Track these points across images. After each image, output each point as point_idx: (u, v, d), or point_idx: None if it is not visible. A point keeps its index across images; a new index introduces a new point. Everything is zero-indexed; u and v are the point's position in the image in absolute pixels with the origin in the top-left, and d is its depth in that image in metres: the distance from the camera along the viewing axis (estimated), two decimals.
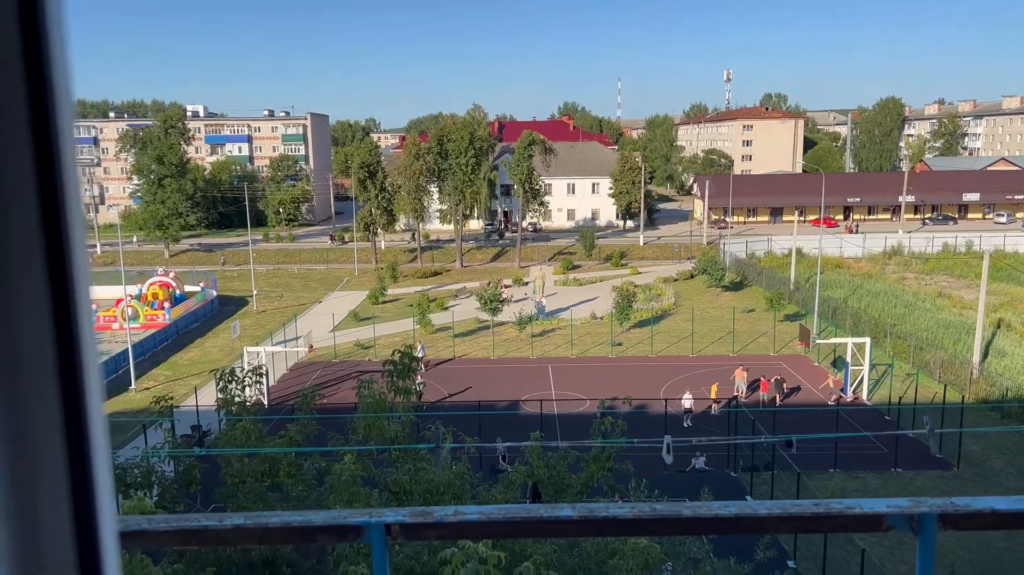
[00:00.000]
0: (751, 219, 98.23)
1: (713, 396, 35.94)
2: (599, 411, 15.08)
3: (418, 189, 75.55)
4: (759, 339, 47.69)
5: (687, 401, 35.85)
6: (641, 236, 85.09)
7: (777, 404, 35.81)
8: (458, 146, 74.74)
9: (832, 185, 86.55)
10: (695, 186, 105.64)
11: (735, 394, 36.58)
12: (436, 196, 79.42)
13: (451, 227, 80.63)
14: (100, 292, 62.59)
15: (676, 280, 66.38)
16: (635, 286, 62.16)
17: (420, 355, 42.45)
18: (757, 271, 65.34)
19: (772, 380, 37.34)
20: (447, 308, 56.79)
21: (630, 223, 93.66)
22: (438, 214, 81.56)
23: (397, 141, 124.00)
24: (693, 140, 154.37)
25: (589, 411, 33.96)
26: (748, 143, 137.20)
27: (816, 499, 1.32)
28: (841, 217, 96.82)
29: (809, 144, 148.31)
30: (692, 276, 66.25)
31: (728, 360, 43.35)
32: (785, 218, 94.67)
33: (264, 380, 13.16)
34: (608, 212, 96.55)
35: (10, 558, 0.71)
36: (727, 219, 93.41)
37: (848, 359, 38.58)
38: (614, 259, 75.64)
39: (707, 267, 61.86)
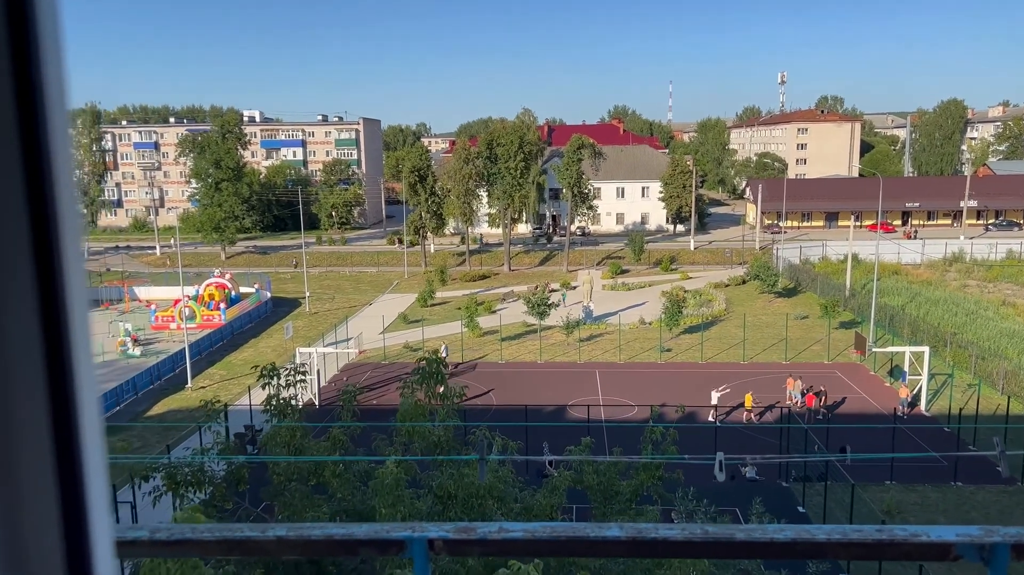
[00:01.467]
0: (805, 224, 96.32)
1: (748, 406, 35.09)
2: (650, 420, 14.91)
3: (467, 193, 75.96)
4: (813, 347, 46.68)
5: (716, 396, 35.65)
6: (692, 240, 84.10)
7: (819, 417, 34.79)
8: (507, 150, 74.93)
9: (890, 189, 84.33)
10: (747, 190, 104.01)
11: (788, 403, 35.82)
12: (485, 200, 79.73)
13: (499, 231, 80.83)
14: (158, 293, 64.39)
15: (727, 285, 65.40)
16: (685, 291, 61.46)
17: (445, 354, 43.17)
18: (811, 277, 63.98)
19: (815, 391, 36.33)
20: (494, 311, 56.91)
21: (680, 227, 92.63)
22: (487, 218, 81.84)
23: (447, 145, 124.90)
24: (746, 143, 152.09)
25: (637, 417, 33.75)
26: (803, 147, 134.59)
27: (879, 525, 1.26)
28: (899, 222, 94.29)
29: (866, 148, 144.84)
30: (744, 282, 65.19)
31: (780, 368, 42.51)
32: (841, 223, 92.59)
33: (306, 380, 13.28)
34: (658, 216, 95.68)
35: None
36: (780, 224, 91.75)
37: (906, 368, 37.48)
38: (664, 264, 74.89)
39: (759, 272, 60.82)
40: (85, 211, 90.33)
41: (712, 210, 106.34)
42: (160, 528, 1.23)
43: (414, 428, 11.32)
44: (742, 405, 35.58)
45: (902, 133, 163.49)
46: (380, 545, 1.23)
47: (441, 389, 11.98)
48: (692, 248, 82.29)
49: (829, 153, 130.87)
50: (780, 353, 45.25)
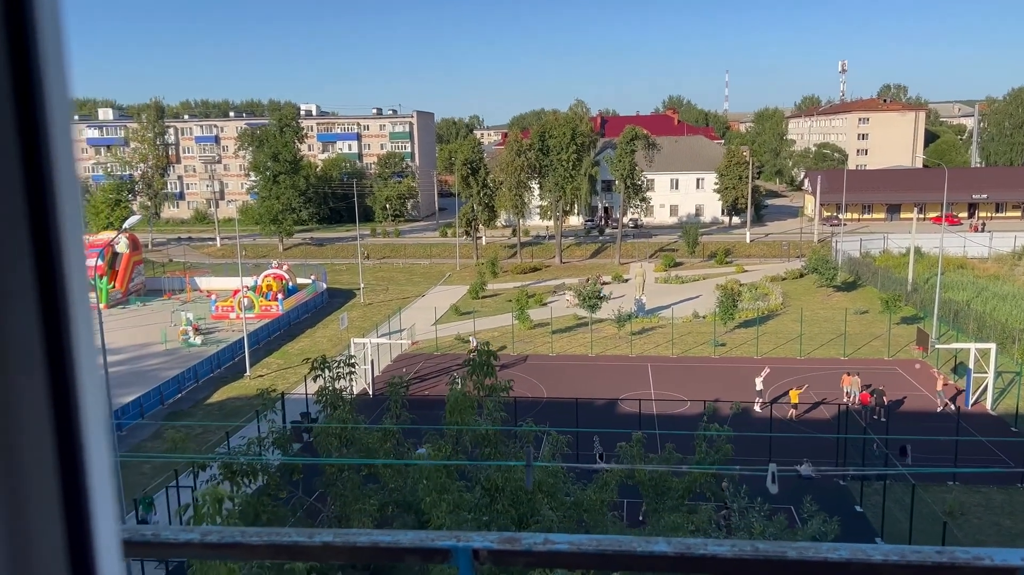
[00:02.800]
0: (866, 216, 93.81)
1: (793, 401, 34.34)
2: (704, 416, 14.72)
3: (519, 185, 75.98)
4: (872, 342, 45.49)
5: (759, 382, 35.42)
6: (748, 233, 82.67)
7: (875, 416, 33.87)
8: (559, 142, 74.66)
9: (956, 180, 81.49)
10: (806, 181, 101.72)
11: (845, 400, 34.99)
12: (537, 192, 79.63)
13: (551, 223, 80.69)
14: (219, 283, 66.08)
15: (784, 279, 64.13)
16: (740, 284, 60.48)
17: (475, 345, 43.66)
18: (872, 271, 62.30)
19: (872, 391, 35.40)
20: (545, 304, 56.88)
21: (736, 219, 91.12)
22: (538, 210, 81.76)
23: (499, 138, 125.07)
24: (804, 134, 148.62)
25: (690, 412, 33.40)
26: (864, 137, 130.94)
27: (939, 547, 1.21)
28: (965, 215, 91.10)
29: (931, 137, 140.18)
30: (801, 275, 63.83)
31: (838, 364, 41.56)
32: (903, 215, 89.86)
33: (356, 372, 13.45)
34: (713, 208, 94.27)
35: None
36: (840, 216, 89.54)
37: (971, 366, 36.26)
38: (718, 256, 73.79)
39: (818, 266, 59.46)
40: (149, 203, 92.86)
41: (769, 202, 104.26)
42: (211, 531, 1.26)
43: (462, 420, 11.38)
44: (788, 394, 35.14)
45: (969, 122, 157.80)
46: (424, 553, 1.24)
47: (490, 382, 11.99)
48: (748, 241, 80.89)
49: (891, 143, 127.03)
50: (838, 349, 44.22)
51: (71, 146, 0.71)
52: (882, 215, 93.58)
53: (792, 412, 33.95)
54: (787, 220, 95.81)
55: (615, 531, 12.31)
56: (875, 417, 33.66)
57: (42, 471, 0.71)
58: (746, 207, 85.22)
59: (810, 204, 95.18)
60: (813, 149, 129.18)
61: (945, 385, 35.98)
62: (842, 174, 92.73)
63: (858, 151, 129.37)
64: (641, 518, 16.21)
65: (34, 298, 0.69)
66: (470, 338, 44.60)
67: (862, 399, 34.86)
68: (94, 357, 0.75)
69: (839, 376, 37.58)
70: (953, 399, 35.58)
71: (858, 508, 26.41)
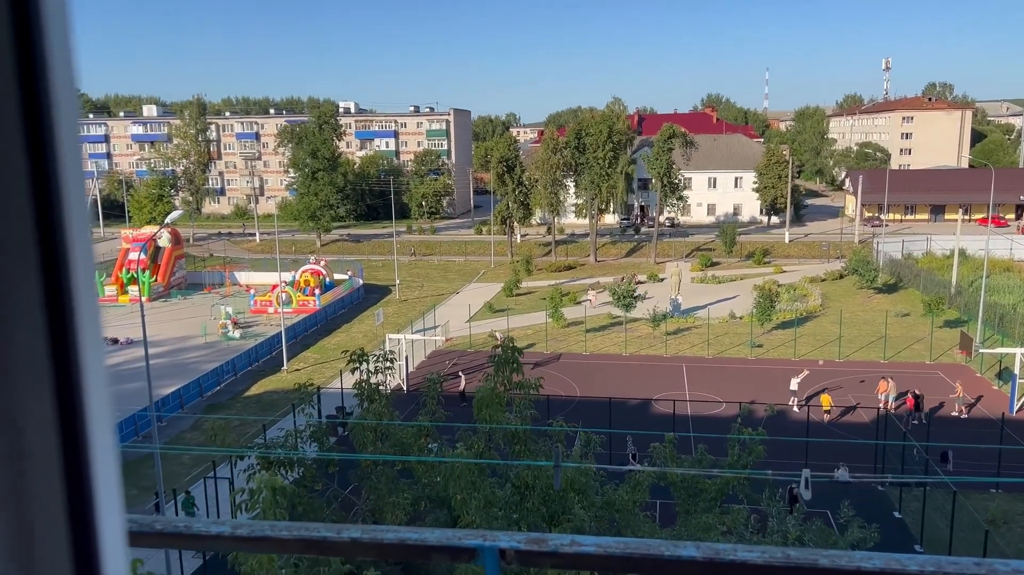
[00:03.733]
0: (908, 217, 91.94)
1: (825, 407, 33.65)
2: (738, 418, 14.55)
3: (554, 183, 75.84)
4: (914, 346, 44.58)
5: (795, 382, 35.19)
6: (787, 233, 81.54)
7: (915, 422, 33.14)
8: (596, 140, 74.35)
9: (1004, 181, 79.45)
10: (847, 181, 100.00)
11: (881, 406, 34.29)
12: (572, 190, 79.39)
13: (586, 221, 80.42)
14: (257, 278, 67.04)
15: (824, 280, 63.13)
16: (778, 285, 59.70)
17: (498, 340, 43.85)
18: (914, 273, 61.04)
19: (915, 395, 34.66)
20: (579, 302, 56.73)
21: (775, 219, 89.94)
22: (573, 208, 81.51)
23: (535, 135, 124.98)
24: (846, 132, 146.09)
25: (725, 414, 33.06)
26: (907, 136, 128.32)
27: (978, 558, 1.18)
28: (1013, 216, 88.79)
29: (978, 137, 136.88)
30: (841, 276, 62.78)
31: (878, 367, 40.80)
32: (947, 216, 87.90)
33: (394, 367, 13.52)
34: (751, 207, 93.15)
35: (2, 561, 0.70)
36: (882, 216, 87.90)
37: (1016, 371, 35.35)
38: (756, 256, 72.89)
39: (858, 267, 58.44)
40: (191, 199, 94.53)
41: (809, 202, 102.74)
42: (241, 524, 1.27)
43: (490, 416, 11.39)
44: (822, 392, 34.65)
45: (1018, 121, 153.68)
46: (452, 552, 1.24)
47: (518, 378, 11.95)
48: (787, 241, 79.80)
49: (936, 143, 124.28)
50: (878, 351, 43.42)
51: (77, 142, 0.71)
52: (926, 216, 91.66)
53: (826, 417, 33.30)
54: (827, 220, 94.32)
55: (647, 531, 12.24)
56: (915, 422, 33.00)
57: (47, 463, 0.71)
58: (785, 207, 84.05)
59: (851, 204, 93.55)
60: (855, 148, 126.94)
61: (961, 395, 35.04)
62: (884, 174, 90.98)
63: (901, 151, 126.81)
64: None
65: (39, 288, 0.69)
66: (495, 334, 45.02)
67: (908, 404, 34.11)
68: (100, 354, 0.75)
69: (879, 380, 36.87)
70: (970, 408, 34.78)
71: (897, 514, 25.92)
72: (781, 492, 15.53)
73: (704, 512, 13.25)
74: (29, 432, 0.70)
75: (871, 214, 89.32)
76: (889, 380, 35.51)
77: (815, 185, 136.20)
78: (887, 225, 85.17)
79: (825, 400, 33.86)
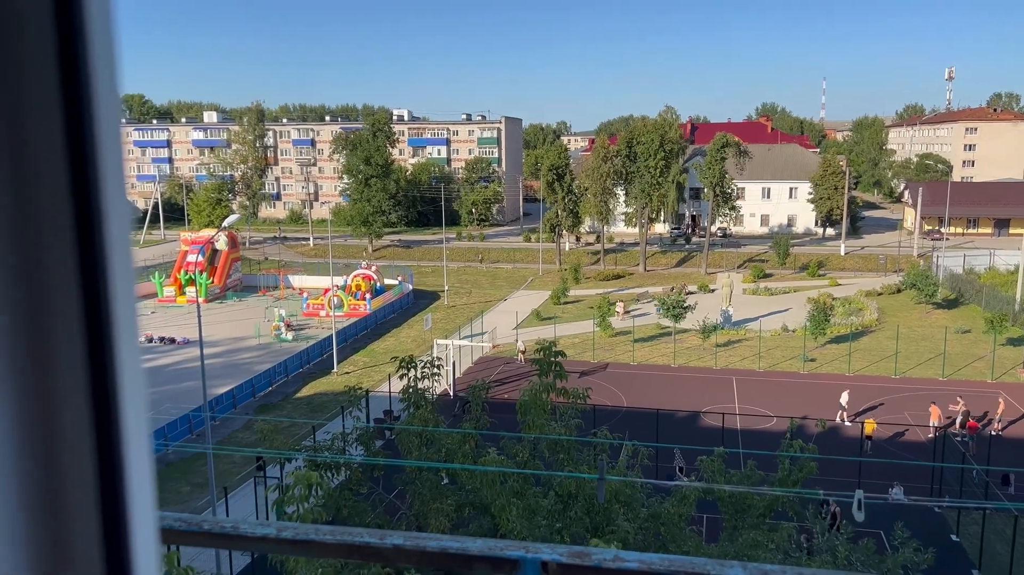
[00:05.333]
0: (971, 231, 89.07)
1: (868, 433, 32.17)
2: (788, 433, 14.25)
3: (604, 191, 75.52)
4: (974, 363, 43.12)
5: (845, 396, 34.69)
6: (842, 245, 79.74)
7: (958, 439, 32.00)
8: (647, 148, 73.84)
9: None
10: (906, 193, 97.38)
11: (932, 434, 33.17)
12: (622, 199, 78.95)
13: (636, 230, 79.86)
14: (310, 281, 68.22)
15: (880, 294, 61.55)
16: (833, 298, 58.41)
17: (522, 349, 43.94)
18: (976, 288, 59.08)
19: (960, 412, 33.47)
20: (628, 312, 56.30)
21: (830, 231, 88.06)
22: (623, 217, 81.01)
23: (586, 144, 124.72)
24: (906, 143, 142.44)
25: (776, 429, 32.43)
26: (971, 147, 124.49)
27: None
28: None
29: None
30: (899, 291, 61.12)
31: (936, 385, 39.58)
32: (1012, 231, 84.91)
33: (441, 373, 13.58)
34: (806, 219, 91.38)
35: (35, 558, 0.70)
36: (942, 230, 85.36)
37: None
38: (811, 268, 71.44)
39: (917, 281, 56.80)
40: (248, 203, 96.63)
41: (866, 213, 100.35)
42: (287, 527, 1.29)
43: (533, 422, 11.34)
44: (875, 408, 33.76)
45: None
46: (493, 562, 1.23)
47: (561, 384, 11.88)
48: (843, 253, 78.03)
49: (1001, 155, 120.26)
50: (937, 369, 42.12)
51: (119, 146, 0.71)
52: (989, 230, 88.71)
53: (868, 444, 31.94)
54: (885, 233, 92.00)
55: (692, 546, 12.05)
56: (960, 439, 31.86)
57: (81, 463, 0.71)
58: (841, 218, 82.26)
59: (910, 217, 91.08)
60: (915, 159, 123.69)
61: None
62: (946, 186, 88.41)
63: (964, 162, 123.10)
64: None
65: (77, 288, 0.69)
66: (518, 342, 45.69)
67: (970, 427, 32.91)
68: (138, 355, 0.75)
69: (938, 398, 35.71)
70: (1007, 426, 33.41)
71: (954, 538, 25.05)
72: (825, 510, 15.11)
73: (751, 528, 13.00)
74: (64, 434, 0.71)
75: (931, 227, 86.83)
76: (939, 406, 34.18)
77: (872, 197, 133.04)
78: (948, 239, 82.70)
79: (869, 426, 32.66)
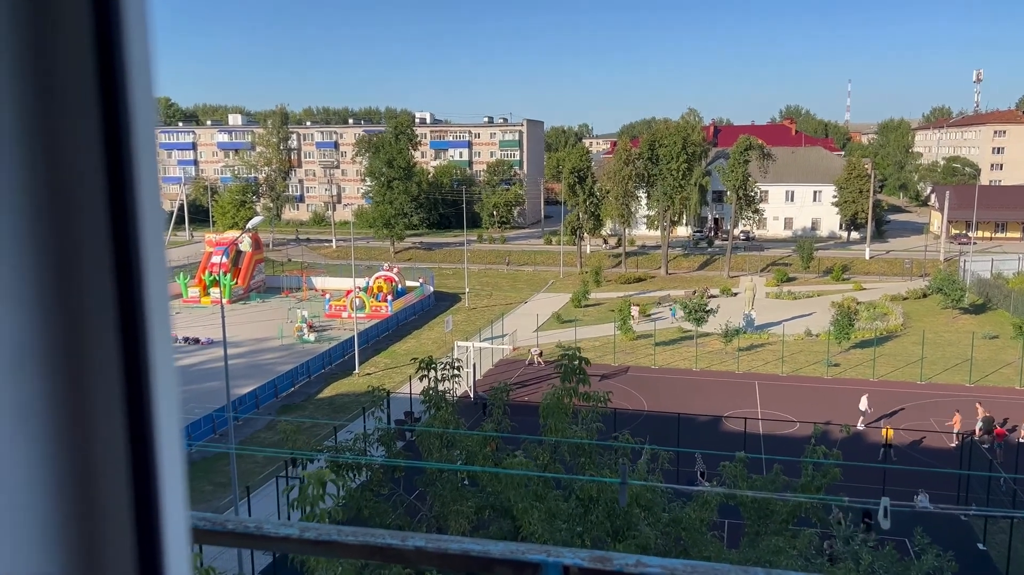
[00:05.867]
0: (999, 235, 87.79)
1: (888, 438, 31.82)
2: (812, 438, 14.10)
3: (626, 194, 75.30)
4: (1002, 370, 42.45)
5: (865, 401, 34.35)
6: (867, 249, 78.88)
7: (988, 446, 31.51)
8: (670, 151, 73.54)
9: None
10: (932, 196, 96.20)
11: (955, 443, 32.73)
12: (644, 201, 78.69)
13: (658, 233, 79.56)
14: (333, 283, 68.66)
15: (906, 299, 60.81)
16: (857, 303, 57.81)
17: (538, 353, 43.83)
18: (1004, 293, 58.17)
19: (980, 418, 33.00)
20: (649, 315, 56.06)
21: (855, 235, 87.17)
22: (645, 220, 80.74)
23: (608, 146, 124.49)
24: (932, 146, 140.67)
25: (799, 434, 32.12)
26: (999, 150, 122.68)
27: None
28: None
29: None
30: (925, 295, 60.34)
31: (963, 391, 39.03)
32: None
33: (461, 375, 13.59)
34: (830, 222, 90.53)
35: (69, 560, 0.71)
36: (969, 234, 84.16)
37: None
38: (835, 273, 70.74)
39: (943, 286, 56.07)
40: (272, 205, 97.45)
41: (891, 217, 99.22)
42: (309, 527, 1.30)
43: (554, 425, 11.32)
44: (895, 413, 33.34)
45: None
46: (515, 565, 1.23)
47: (584, 389, 11.85)
48: (867, 257, 77.19)
49: None
50: (963, 374, 41.52)
51: (154, 148, 0.72)
52: (1017, 234, 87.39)
53: (885, 451, 31.51)
54: (910, 237, 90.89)
55: (714, 551, 11.97)
56: (987, 446, 31.38)
57: (115, 465, 0.71)
58: (866, 222, 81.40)
59: (936, 221, 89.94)
60: (942, 163, 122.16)
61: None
62: (973, 190, 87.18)
63: (992, 166, 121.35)
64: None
65: (112, 289, 0.70)
66: (531, 349, 45.62)
67: (997, 434, 32.43)
68: (171, 360, 0.75)
69: (962, 404, 35.22)
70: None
71: (981, 546, 24.67)
72: (852, 515, 14.93)
73: (774, 534, 12.88)
74: (98, 435, 0.71)
75: (958, 231, 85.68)
76: (959, 415, 33.75)
77: (898, 200, 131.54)
78: (975, 243, 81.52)
79: (887, 432, 32.28)
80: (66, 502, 0.71)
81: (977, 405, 34.22)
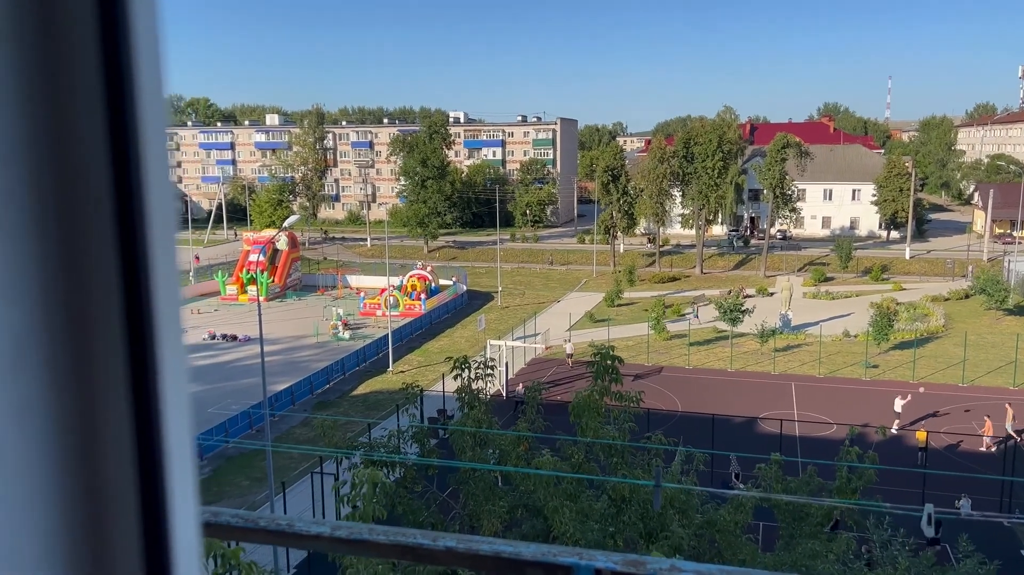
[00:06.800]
0: None
1: (921, 441, 31.27)
2: (847, 440, 13.88)
3: (660, 193, 74.78)
4: None
5: (899, 404, 33.77)
6: (907, 248, 77.38)
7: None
8: (705, 149, 72.86)
9: None
10: (976, 195, 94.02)
11: (984, 447, 31.96)
12: (679, 200, 78.07)
13: (692, 232, 78.87)
14: (367, 281, 69.21)
15: (947, 299, 59.54)
16: (897, 303, 56.75)
17: (569, 352, 43.50)
18: None
19: (1010, 420, 32.21)
20: (683, 315, 55.61)
21: (895, 234, 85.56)
22: (680, 218, 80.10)
23: (642, 145, 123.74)
24: (976, 144, 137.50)
25: (835, 436, 31.61)
26: None
27: None
28: None
29: None
30: (967, 296, 59.03)
31: (1006, 394, 38.08)
32: None
33: (494, 374, 13.61)
34: (870, 221, 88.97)
35: (75, 563, 0.70)
36: (1014, 233, 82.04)
37: None
38: (874, 272, 69.49)
39: (986, 286, 54.76)
40: (308, 204, 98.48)
41: (932, 216, 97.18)
42: (340, 526, 1.30)
43: (586, 424, 11.28)
44: (933, 415, 32.62)
45: None
46: (546, 567, 1.22)
47: (617, 388, 11.79)
48: (907, 257, 75.71)
49: None
50: (1007, 377, 40.53)
51: (164, 144, 0.71)
52: None
53: (924, 455, 30.91)
54: (952, 236, 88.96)
55: (748, 554, 11.83)
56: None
57: (120, 463, 0.71)
58: (906, 221, 79.84)
59: (980, 220, 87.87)
60: (985, 160, 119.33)
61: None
62: (1018, 188, 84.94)
63: None
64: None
65: (118, 288, 0.69)
66: (565, 343, 45.13)
67: None
68: (183, 359, 0.75)
69: (992, 411, 34.33)
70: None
71: None
72: (890, 520, 14.65)
73: (809, 538, 12.71)
74: (104, 436, 0.70)
75: (1002, 230, 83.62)
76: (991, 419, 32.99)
77: (940, 199, 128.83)
78: (1021, 242, 79.50)
79: (921, 436, 31.64)
80: (70, 504, 0.70)
81: (1007, 406, 33.42)
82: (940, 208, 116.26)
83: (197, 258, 78.95)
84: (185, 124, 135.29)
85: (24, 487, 0.67)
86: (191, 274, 71.34)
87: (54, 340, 0.68)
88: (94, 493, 0.70)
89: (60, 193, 0.67)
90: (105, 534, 0.71)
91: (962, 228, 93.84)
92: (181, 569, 0.74)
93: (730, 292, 58.99)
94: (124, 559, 0.71)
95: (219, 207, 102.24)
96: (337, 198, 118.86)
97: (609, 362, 11.66)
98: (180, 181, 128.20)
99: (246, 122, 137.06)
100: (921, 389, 35.01)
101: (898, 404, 34.19)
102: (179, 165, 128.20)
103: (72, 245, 0.68)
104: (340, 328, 52.44)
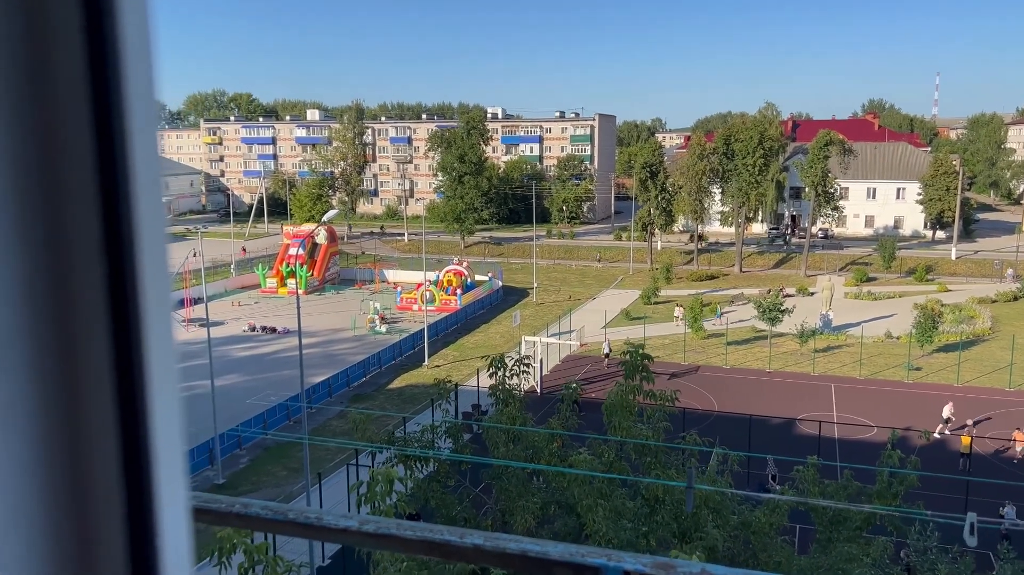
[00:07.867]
0: None
1: (964, 447, 30.36)
2: (889, 444, 13.59)
3: (699, 190, 74.03)
4: None
5: (948, 410, 33.09)
6: (953, 249, 75.56)
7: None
8: (745, 146, 71.91)
9: None
10: None
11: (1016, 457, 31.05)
12: (718, 197, 77.22)
13: (732, 230, 77.94)
14: (404, 276, 69.75)
15: (994, 301, 58.03)
16: (942, 304, 55.47)
17: (607, 351, 43.09)
18: None
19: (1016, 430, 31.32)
20: (722, 314, 54.99)
21: (940, 234, 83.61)
22: (719, 216, 79.20)
23: (681, 141, 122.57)
24: None
25: (876, 439, 31.05)
26: None
27: None
28: None
29: None
30: (1016, 298, 57.50)
31: None
32: None
33: (530, 372, 13.63)
34: (914, 220, 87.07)
35: (60, 561, 0.70)
36: None
37: None
38: (918, 273, 68.01)
39: None
40: (347, 199, 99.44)
41: (980, 216, 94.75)
42: (369, 520, 1.30)
43: (619, 423, 11.22)
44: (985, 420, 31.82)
45: None
46: (574, 568, 1.21)
47: (649, 386, 11.71)
48: (953, 257, 73.93)
49: None
50: None
51: (153, 142, 0.70)
52: None
53: (967, 461, 30.11)
54: (1001, 237, 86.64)
55: (784, 557, 11.68)
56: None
57: (107, 464, 0.71)
58: (953, 221, 77.97)
59: None
60: None
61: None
62: None
63: None
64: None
65: (104, 291, 0.69)
66: (604, 343, 44.68)
67: None
68: (169, 356, 0.74)
69: (1015, 431, 33.31)
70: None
71: None
72: (932, 526, 14.32)
73: (847, 542, 12.48)
74: (90, 436, 0.70)
75: None
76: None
77: (988, 198, 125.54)
78: None
79: (965, 440, 30.81)
80: (56, 504, 0.69)
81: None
82: (988, 208, 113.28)
83: (244, 250, 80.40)
84: (228, 119, 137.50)
85: (8, 487, 0.66)
86: (232, 267, 72.56)
87: (39, 340, 0.68)
88: (80, 493, 0.70)
89: (45, 194, 0.66)
90: (91, 534, 0.70)
91: (1011, 228, 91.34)
92: (169, 569, 0.73)
93: (769, 291, 58.21)
94: (109, 559, 0.71)
95: (260, 201, 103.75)
96: (375, 193, 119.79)
97: (639, 360, 11.59)
98: (223, 175, 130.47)
99: (287, 117, 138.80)
100: (948, 406, 34.13)
101: (946, 410, 33.48)
102: (222, 159, 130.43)
103: (57, 246, 0.67)
104: (377, 322, 52.89)
